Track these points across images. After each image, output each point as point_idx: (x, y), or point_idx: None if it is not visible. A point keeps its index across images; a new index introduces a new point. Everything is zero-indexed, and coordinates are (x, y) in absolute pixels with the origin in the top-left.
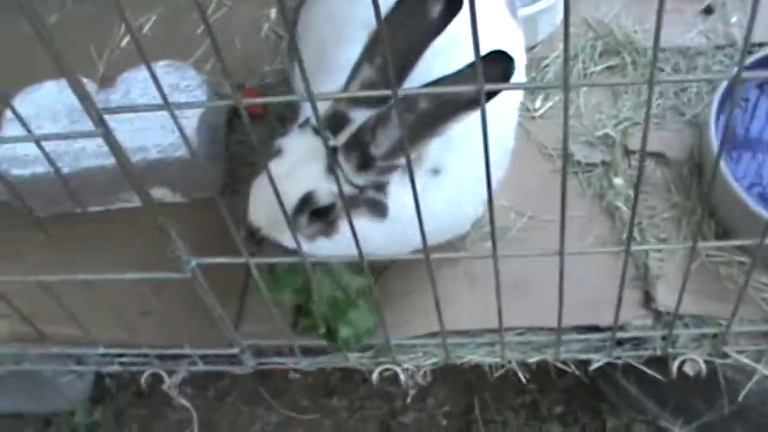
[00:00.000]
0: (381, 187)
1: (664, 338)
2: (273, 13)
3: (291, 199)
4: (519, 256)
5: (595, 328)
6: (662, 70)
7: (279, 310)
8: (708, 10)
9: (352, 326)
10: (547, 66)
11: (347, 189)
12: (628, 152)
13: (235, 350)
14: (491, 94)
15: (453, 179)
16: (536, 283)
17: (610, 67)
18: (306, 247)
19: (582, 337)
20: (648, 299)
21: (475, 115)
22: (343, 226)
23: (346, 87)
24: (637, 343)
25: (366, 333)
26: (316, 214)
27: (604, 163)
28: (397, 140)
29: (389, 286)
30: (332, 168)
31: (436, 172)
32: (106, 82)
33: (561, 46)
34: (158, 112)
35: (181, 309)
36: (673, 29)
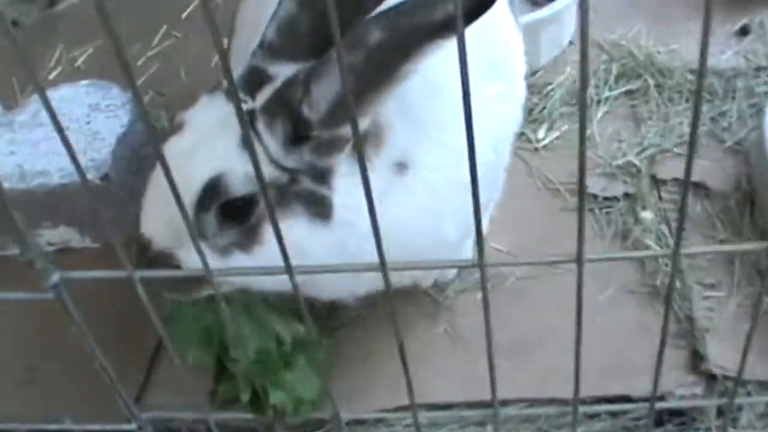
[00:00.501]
0: (323, 176)
1: (721, 412)
2: (225, 43)
3: (192, 187)
4: (512, 264)
5: (625, 399)
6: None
7: (190, 370)
8: (744, 31)
9: (287, 391)
10: (551, 91)
11: (271, 173)
12: (657, 182)
13: (131, 426)
14: (472, 15)
15: (425, 180)
16: (544, 344)
17: (629, 92)
18: (216, 263)
19: (607, 408)
20: (696, 360)
21: (453, 98)
22: (269, 233)
23: (268, 25)
24: (684, 421)
25: (307, 403)
26: (230, 214)
27: (627, 195)
28: (338, 93)
29: (345, 344)
30: (248, 140)
31: (402, 166)
32: (17, 104)
33: (567, 69)
34: (70, 128)
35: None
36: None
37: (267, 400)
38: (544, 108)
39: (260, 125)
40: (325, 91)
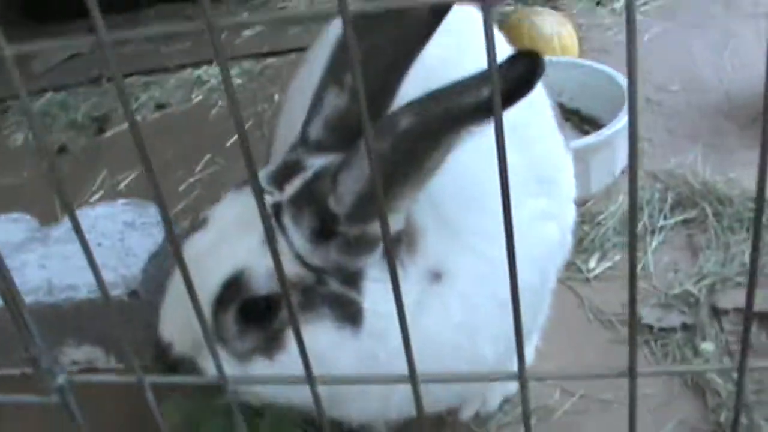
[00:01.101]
0: (352, 279)
1: None
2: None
3: (211, 285)
4: (558, 377)
5: None
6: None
7: None
8: None
9: None
10: (603, 220)
11: (297, 271)
12: (717, 313)
13: None
14: (510, 98)
15: (460, 292)
16: None
17: (686, 221)
18: (235, 371)
19: None
20: None
21: (493, 206)
22: (291, 340)
23: (308, 121)
24: None
25: None
26: (251, 316)
27: (685, 327)
28: (366, 185)
29: None
30: (270, 235)
31: (436, 276)
32: (55, 221)
33: (621, 198)
34: (103, 245)
35: None
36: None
37: None
38: (595, 237)
39: (286, 219)
40: (352, 183)
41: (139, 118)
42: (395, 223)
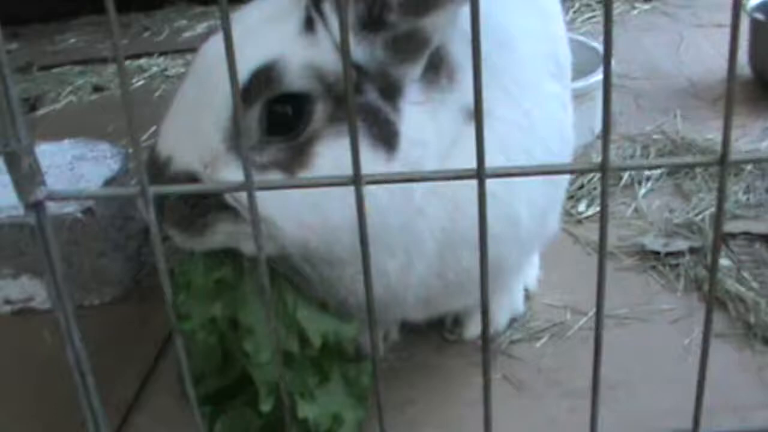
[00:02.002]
0: (391, 92)
1: None
2: None
3: (239, 75)
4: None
5: None
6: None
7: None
8: None
9: (320, 406)
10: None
11: (336, 68)
12: (724, 236)
13: None
14: None
15: (497, 132)
16: (625, 385)
17: (671, 173)
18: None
19: None
20: None
21: (524, 57)
22: (320, 156)
23: None
24: None
25: (349, 424)
26: (277, 122)
27: (692, 250)
28: None
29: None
30: (311, 21)
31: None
32: None
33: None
34: (50, 173)
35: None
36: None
37: (293, 414)
38: (582, 185)
39: (326, 5)
40: None
41: (74, 98)
42: (449, 20)
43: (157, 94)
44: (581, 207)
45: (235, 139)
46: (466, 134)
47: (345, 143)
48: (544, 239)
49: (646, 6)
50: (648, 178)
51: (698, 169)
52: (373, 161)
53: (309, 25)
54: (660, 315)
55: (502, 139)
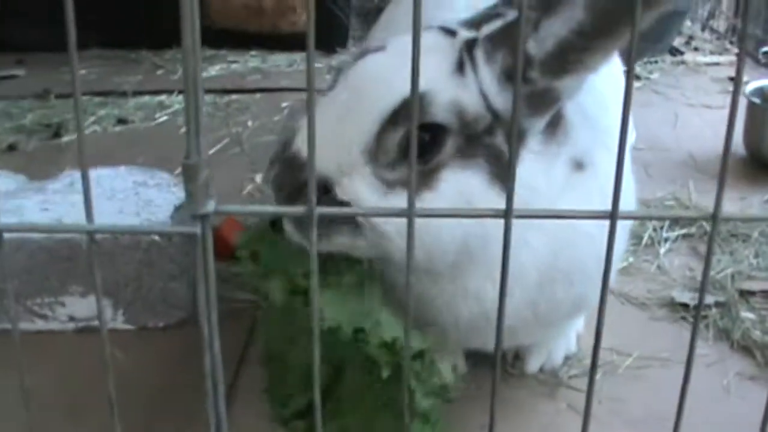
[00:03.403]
0: (517, 136)
1: None
2: (258, 177)
3: (389, 99)
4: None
5: None
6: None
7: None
8: None
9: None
10: None
11: (477, 107)
12: (744, 294)
13: None
14: None
15: (601, 184)
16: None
17: (687, 235)
18: (374, 200)
19: None
20: None
21: (616, 115)
22: (446, 182)
23: None
24: None
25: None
26: (418, 146)
27: (718, 304)
28: (571, 32)
29: (458, 418)
30: (462, 65)
31: (579, 165)
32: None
33: None
34: (116, 197)
35: None
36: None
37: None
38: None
39: (479, 53)
40: (556, 29)
41: (98, 128)
42: (578, 83)
43: (182, 130)
44: None
45: (373, 154)
46: (572, 182)
47: (467, 175)
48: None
49: (638, 84)
50: (666, 240)
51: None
52: (490, 194)
53: (460, 67)
54: (696, 359)
55: (601, 187)
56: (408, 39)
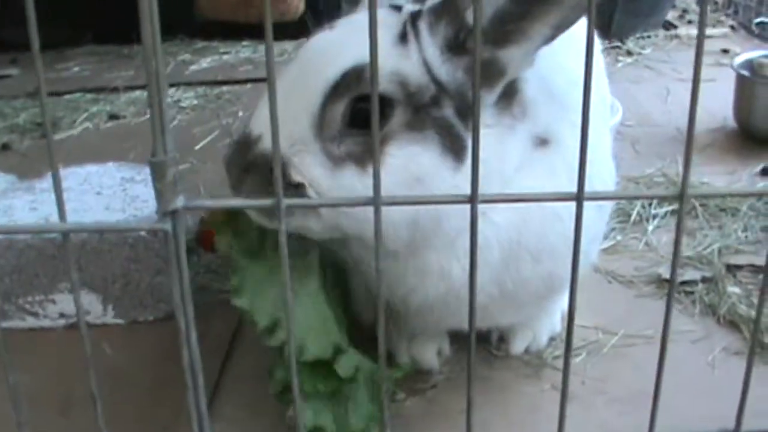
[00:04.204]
0: (465, 113)
1: None
2: None
3: (330, 73)
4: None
5: None
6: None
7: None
8: (765, 172)
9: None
10: None
11: (420, 78)
12: (731, 269)
13: None
14: None
15: (566, 160)
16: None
17: (674, 212)
18: (325, 176)
19: None
20: None
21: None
22: (392, 155)
23: None
24: None
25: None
26: (358, 117)
27: (705, 279)
28: (507, 1)
29: (439, 401)
30: (405, 35)
31: (544, 141)
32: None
33: None
34: (104, 194)
35: None
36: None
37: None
38: None
39: (422, 24)
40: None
41: (89, 125)
42: (525, 55)
43: (173, 123)
44: None
45: (320, 128)
46: (534, 158)
47: (415, 149)
48: (587, 267)
49: (629, 59)
50: (655, 216)
51: (699, 209)
52: (441, 169)
53: (403, 38)
54: (681, 335)
55: (569, 166)
56: (357, 17)
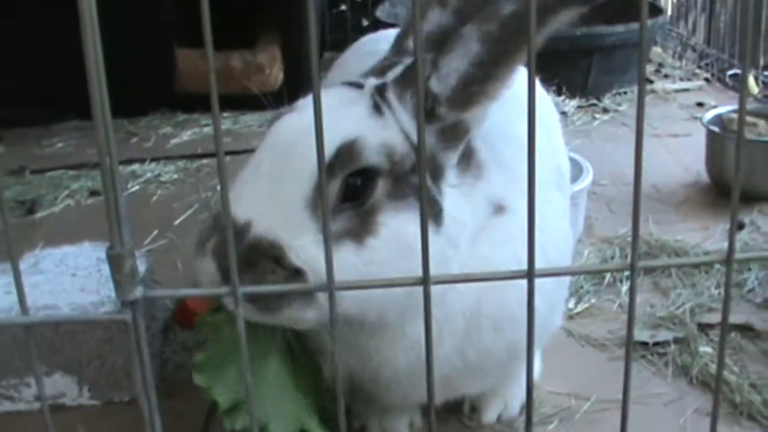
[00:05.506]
0: (436, 175)
1: None
2: None
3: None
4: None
5: None
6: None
7: None
8: (740, 226)
9: None
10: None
11: (403, 150)
12: (703, 327)
13: None
14: None
15: (521, 229)
16: None
17: (648, 270)
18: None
19: None
20: None
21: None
22: (384, 226)
23: (404, 35)
24: None
25: None
26: (349, 192)
27: (677, 340)
28: (468, 66)
29: None
30: (379, 107)
31: (500, 208)
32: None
33: (585, 253)
34: (78, 275)
35: None
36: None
37: None
38: (569, 285)
39: (390, 95)
40: (456, 64)
41: (71, 202)
42: (484, 112)
43: (154, 199)
44: (571, 304)
45: (316, 208)
46: (491, 224)
47: (402, 216)
48: (551, 332)
49: (606, 117)
50: (629, 277)
51: (673, 269)
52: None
53: (377, 109)
54: (654, 398)
55: (523, 234)
56: (322, 95)
